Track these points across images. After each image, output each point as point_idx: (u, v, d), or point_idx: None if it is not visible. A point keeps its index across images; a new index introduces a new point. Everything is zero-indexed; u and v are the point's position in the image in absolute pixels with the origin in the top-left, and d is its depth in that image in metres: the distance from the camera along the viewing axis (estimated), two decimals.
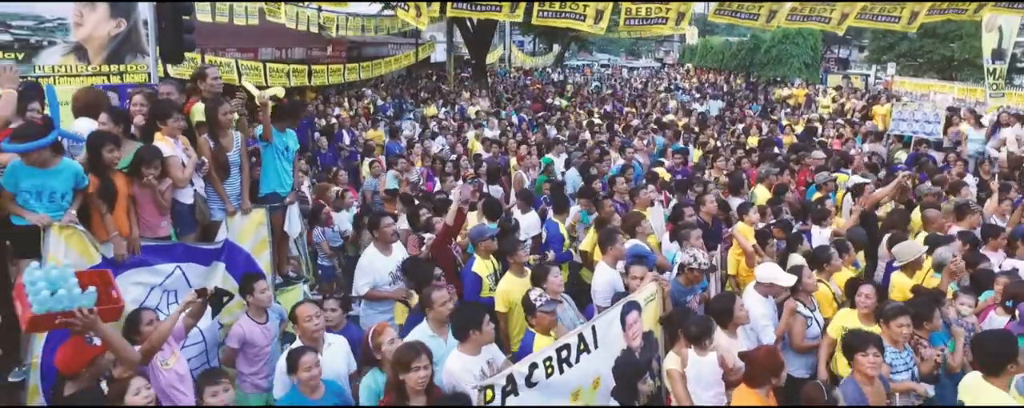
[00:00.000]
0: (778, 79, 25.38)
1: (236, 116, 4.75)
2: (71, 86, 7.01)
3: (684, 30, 10.54)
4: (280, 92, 4.82)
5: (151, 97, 4.46)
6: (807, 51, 23.82)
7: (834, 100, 17.96)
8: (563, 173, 9.23)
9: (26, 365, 3.76)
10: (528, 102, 19.04)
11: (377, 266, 4.91)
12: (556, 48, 39.03)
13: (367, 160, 9.63)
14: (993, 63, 12.56)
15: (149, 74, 8.03)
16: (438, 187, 8.89)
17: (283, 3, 13.34)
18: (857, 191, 7.46)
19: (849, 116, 15.43)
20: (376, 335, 3.68)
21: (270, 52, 14.23)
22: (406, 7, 9.79)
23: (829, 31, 11.33)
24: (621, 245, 5.17)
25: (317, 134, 11.24)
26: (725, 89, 26.84)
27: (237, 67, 11.54)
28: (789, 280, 4.69)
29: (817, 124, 13.71)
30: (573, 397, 3.78)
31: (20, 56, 6.65)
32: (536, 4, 9.24)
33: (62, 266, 3.34)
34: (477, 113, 14.78)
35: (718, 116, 16.04)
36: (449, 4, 9.22)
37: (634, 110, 17.36)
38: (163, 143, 4.25)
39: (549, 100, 19.22)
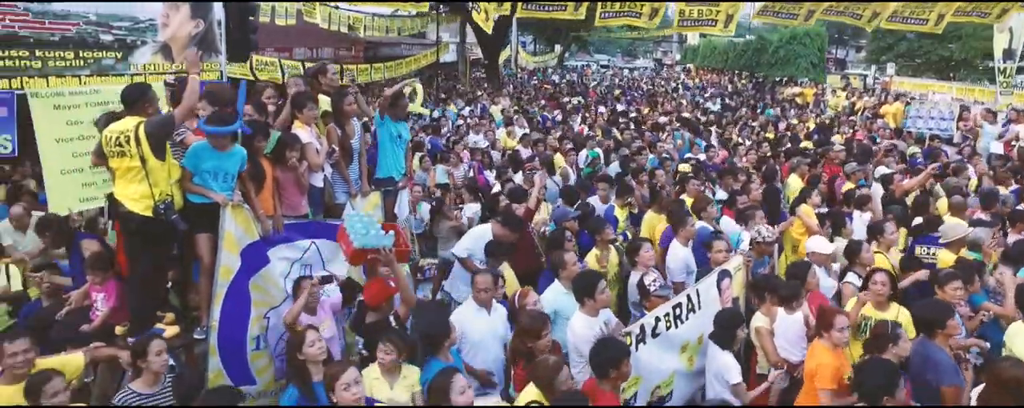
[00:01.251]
0: (785, 79, 26.15)
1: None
2: (158, 82, 7.54)
3: (732, 31, 11.14)
4: (419, 88, 5.40)
5: (281, 89, 4.98)
6: (814, 51, 24.62)
7: (847, 98, 18.70)
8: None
9: (206, 326, 4.29)
10: (542, 102, 19.68)
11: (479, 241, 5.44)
12: (557, 48, 39.75)
13: (417, 155, 10.16)
14: (1004, 62, 13.32)
15: (221, 72, 8.54)
16: (489, 180, 9.45)
17: (318, 4, 13.87)
18: (887, 181, 8.17)
19: (859, 114, 16.18)
20: (522, 297, 4.23)
21: (303, 52, 14.74)
22: (479, 9, 10.36)
23: (850, 25, 12.01)
24: (692, 226, 5.79)
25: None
26: (728, 89, 27.63)
27: (280, 66, 12.05)
28: (830, 248, 5.43)
29: (829, 122, 14.46)
30: (681, 350, 4.39)
31: (119, 55, 7.13)
32: (599, 5, 9.85)
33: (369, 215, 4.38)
34: (502, 111, 15.37)
35: (719, 114, 16.79)
36: (520, 4, 9.77)
37: (650, 109, 18.02)
38: (301, 130, 4.80)
39: (565, 99, 19.84)
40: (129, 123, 4.04)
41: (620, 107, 18.56)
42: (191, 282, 4.60)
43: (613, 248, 5.70)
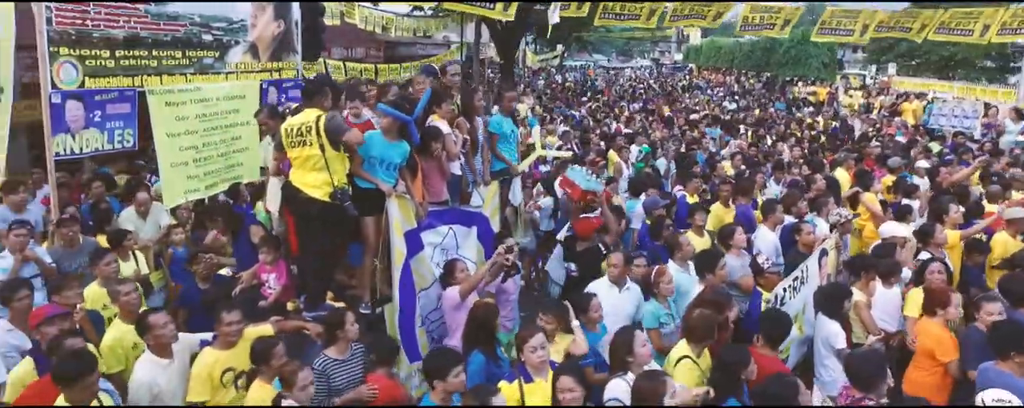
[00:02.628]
0: (796, 78, 26.98)
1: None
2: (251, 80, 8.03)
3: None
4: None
5: (431, 84, 5.46)
6: (825, 51, 25.45)
7: (863, 97, 19.53)
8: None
9: (368, 302, 4.79)
10: (558, 101, 20.29)
11: None
12: (559, 48, 40.36)
13: None
14: None
15: (297, 70, 9.02)
16: (543, 171, 9.98)
17: (357, 5, 14.30)
18: (932, 174, 8.87)
19: (876, 112, 16.97)
20: (660, 274, 4.76)
21: (339, 52, 15.17)
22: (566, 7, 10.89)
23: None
24: (781, 214, 6.39)
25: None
26: (734, 88, 28.44)
27: (325, 65, 12.49)
28: (907, 230, 6.03)
29: (851, 120, 15.21)
30: (795, 319, 4.97)
31: (217, 54, 7.57)
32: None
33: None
34: (532, 109, 15.91)
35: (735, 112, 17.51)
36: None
37: (669, 107, 18.69)
38: (441, 123, 5.30)
39: (586, 98, 20.44)
40: (310, 116, 4.49)
41: (635, 106, 19.22)
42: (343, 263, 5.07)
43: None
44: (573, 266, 5.80)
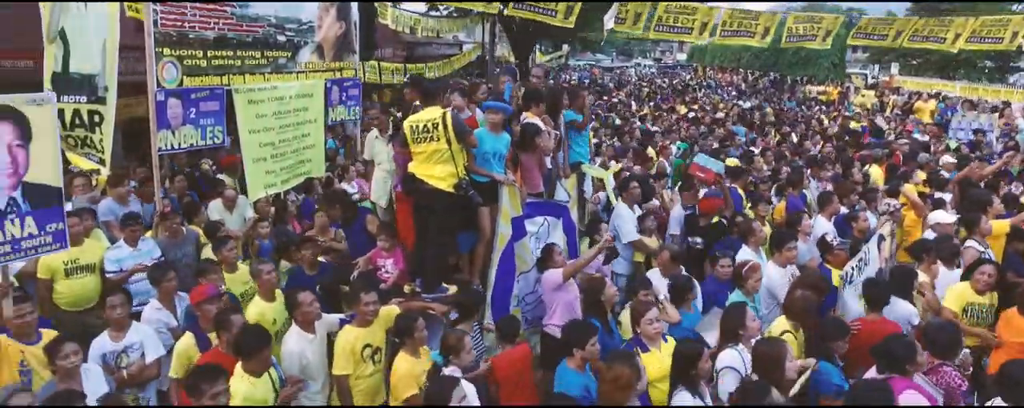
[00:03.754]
0: (804, 78, 27.65)
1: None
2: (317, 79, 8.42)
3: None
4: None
5: (526, 83, 5.91)
6: (835, 52, 26.10)
7: (876, 96, 20.17)
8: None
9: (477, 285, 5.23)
10: None
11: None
12: (565, 47, 40.92)
13: None
14: None
15: (355, 70, 9.44)
16: None
17: (389, 5, 14.69)
18: (961, 168, 9.40)
19: (889, 112, 17.59)
20: (752, 271, 5.18)
21: (370, 52, 15.56)
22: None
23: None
24: (837, 204, 6.89)
25: None
26: (742, 87, 29.10)
27: (364, 66, 12.88)
28: (952, 218, 6.55)
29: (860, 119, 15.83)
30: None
31: (289, 54, 7.96)
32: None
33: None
34: None
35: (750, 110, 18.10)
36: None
37: (685, 106, 19.23)
38: (537, 120, 5.73)
39: (610, 98, 20.97)
40: (435, 112, 4.89)
41: (650, 104, 19.74)
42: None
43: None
44: (699, 240, 6.54)
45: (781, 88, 27.61)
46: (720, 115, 14.90)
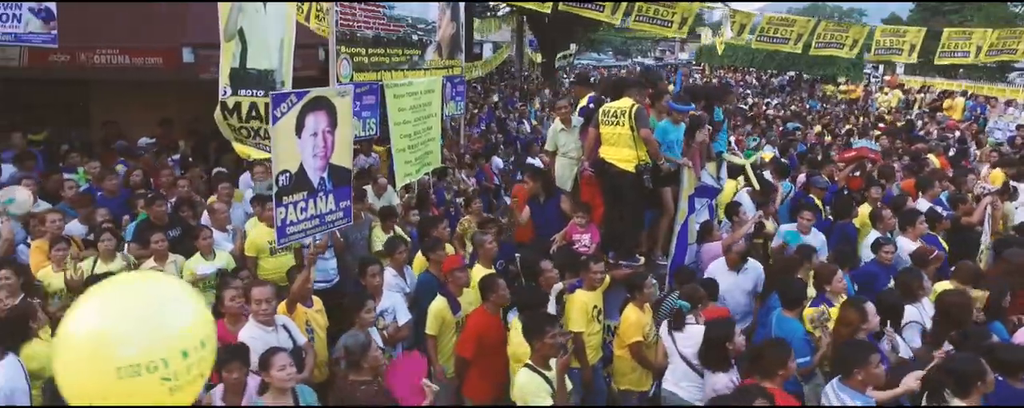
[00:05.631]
0: (823, 77, 28.78)
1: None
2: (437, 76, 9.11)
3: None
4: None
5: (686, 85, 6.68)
6: None
7: (906, 93, 21.30)
8: None
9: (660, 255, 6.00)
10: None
11: None
12: (573, 47, 41.76)
13: None
14: None
15: (461, 67, 10.16)
16: None
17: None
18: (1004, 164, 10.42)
19: (915, 109, 18.69)
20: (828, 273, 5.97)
21: None
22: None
23: None
24: (938, 188, 7.76)
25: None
26: (756, 87, 30.17)
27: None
28: None
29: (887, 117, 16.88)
30: None
31: (419, 53, 8.66)
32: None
33: None
34: None
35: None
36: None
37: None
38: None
39: None
40: (625, 103, 5.67)
41: None
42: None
43: None
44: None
45: (798, 87, 28.72)
46: (770, 112, 15.84)
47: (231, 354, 3.72)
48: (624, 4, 12.15)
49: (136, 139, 9.96)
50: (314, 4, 7.59)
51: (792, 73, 30.62)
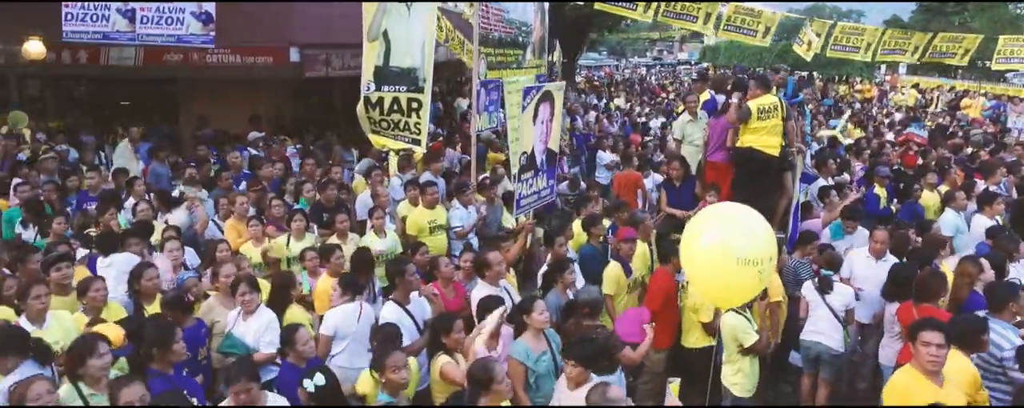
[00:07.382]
0: (834, 77, 30.15)
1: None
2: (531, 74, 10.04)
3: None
4: None
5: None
6: None
7: (922, 93, 22.67)
8: None
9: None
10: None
11: None
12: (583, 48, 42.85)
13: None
14: None
15: (544, 66, 11.12)
16: None
17: (465, 4, 16.21)
18: None
19: (932, 108, 20.04)
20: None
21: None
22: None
23: None
24: (963, 199, 8.84)
25: None
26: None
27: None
28: None
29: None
30: None
31: (522, 52, 9.60)
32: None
33: None
34: (617, 107, 18.36)
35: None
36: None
37: None
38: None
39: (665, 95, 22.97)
40: (772, 99, 6.75)
41: None
42: None
43: None
44: None
45: (807, 86, 30.01)
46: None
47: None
48: (655, 4, 12.62)
49: (222, 133, 10.68)
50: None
51: (801, 73, 31.94)
